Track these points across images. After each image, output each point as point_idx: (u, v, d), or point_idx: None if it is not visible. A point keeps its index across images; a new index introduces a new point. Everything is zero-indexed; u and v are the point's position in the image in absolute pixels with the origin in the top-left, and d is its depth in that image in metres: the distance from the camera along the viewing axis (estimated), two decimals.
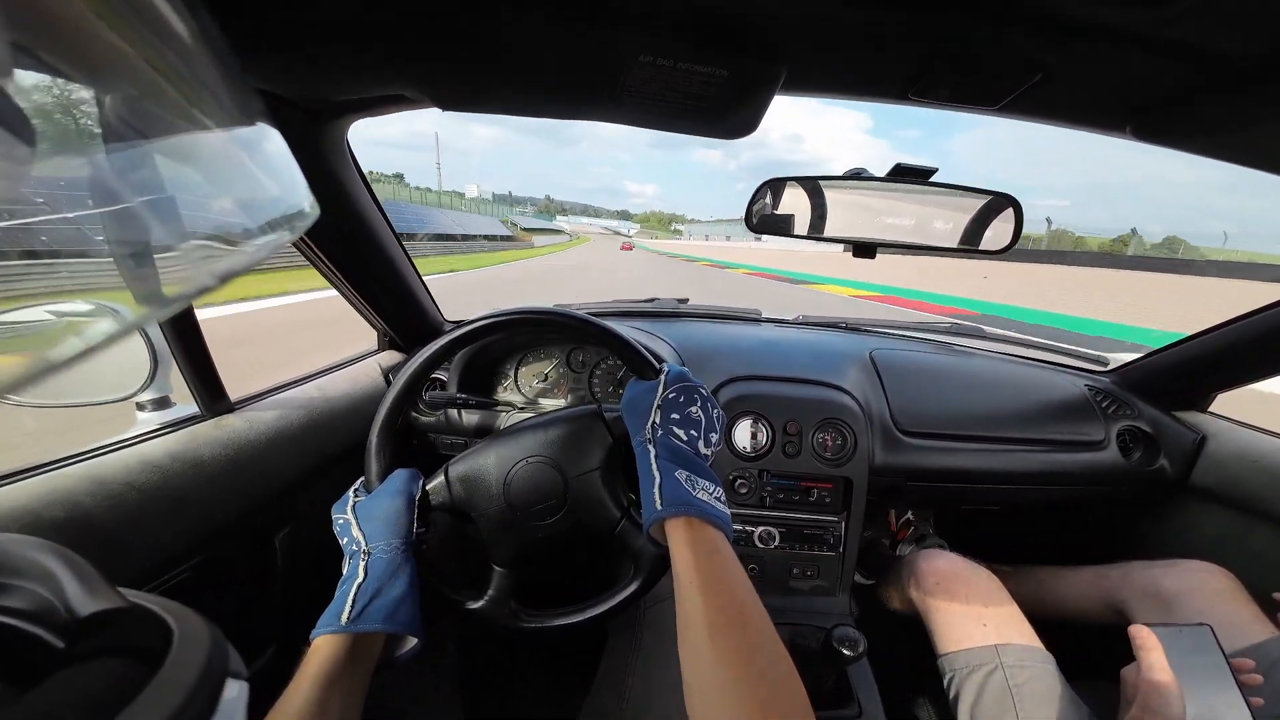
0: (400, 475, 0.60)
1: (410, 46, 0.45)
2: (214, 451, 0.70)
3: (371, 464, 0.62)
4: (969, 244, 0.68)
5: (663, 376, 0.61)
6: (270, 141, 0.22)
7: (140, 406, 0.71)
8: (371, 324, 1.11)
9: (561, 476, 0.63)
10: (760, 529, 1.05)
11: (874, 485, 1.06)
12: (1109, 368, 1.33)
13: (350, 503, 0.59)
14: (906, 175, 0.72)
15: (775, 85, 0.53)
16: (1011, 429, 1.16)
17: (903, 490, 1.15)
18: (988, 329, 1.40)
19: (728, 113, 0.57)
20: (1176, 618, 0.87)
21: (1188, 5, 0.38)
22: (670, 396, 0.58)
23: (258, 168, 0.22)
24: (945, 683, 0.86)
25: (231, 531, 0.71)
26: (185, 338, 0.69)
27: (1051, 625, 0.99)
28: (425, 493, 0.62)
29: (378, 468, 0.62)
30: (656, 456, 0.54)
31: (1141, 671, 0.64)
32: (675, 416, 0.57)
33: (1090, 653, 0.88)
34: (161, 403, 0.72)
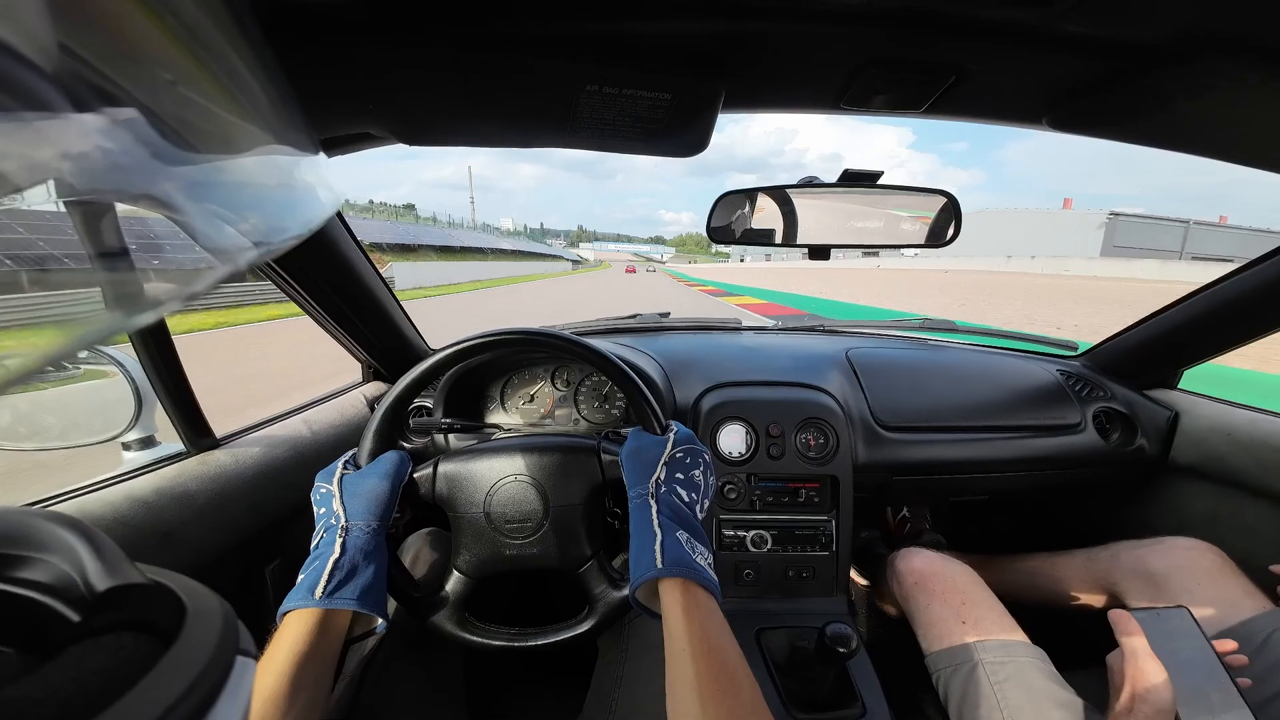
0: (390, 457, 0.61)
1: (369, 85, 0.49)
2: (201, 487, 0.71)
3: (367, 441, 0.62)
4: (914, 239, 0.72)
5: (671, 434, 0.61)
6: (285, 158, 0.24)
7: (126, 446, 0.72)
8: (355, 356, 1.13)
9: (544, 502, 0.64)
10: (753, 533, 1.06)
11: (861, 482, 1.08)
12: (1078, 351, 1.37)
13: (337, 474, 0.59)
14: (856, 180, 0.77)
15: (717, 104, 0.58)
16: (989, 417, 1.19)
17: (889, 486, 1.17)
18: (959, 323, 1.44)
19: (677, 133, 0.62)
20: (1166, 597, 0.87)
21: (1070, 3, 0.42)
22: (678, 455, 0.59)
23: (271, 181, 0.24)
24: (934, 683, 0.85)
25: (221, 564, 0.72)
26: (166, 376, 0.71)
27: (1050, 613, 1.00)
28: (413, 481, 0.62)
29: (372, 446, 0.62)
30: (658, 513, 0.54)
31: (1125, 657, 0.64)
32: (680, 476, 0.57)
33: (1088, 639, 0.89)
34: (147, 442, 0.73)
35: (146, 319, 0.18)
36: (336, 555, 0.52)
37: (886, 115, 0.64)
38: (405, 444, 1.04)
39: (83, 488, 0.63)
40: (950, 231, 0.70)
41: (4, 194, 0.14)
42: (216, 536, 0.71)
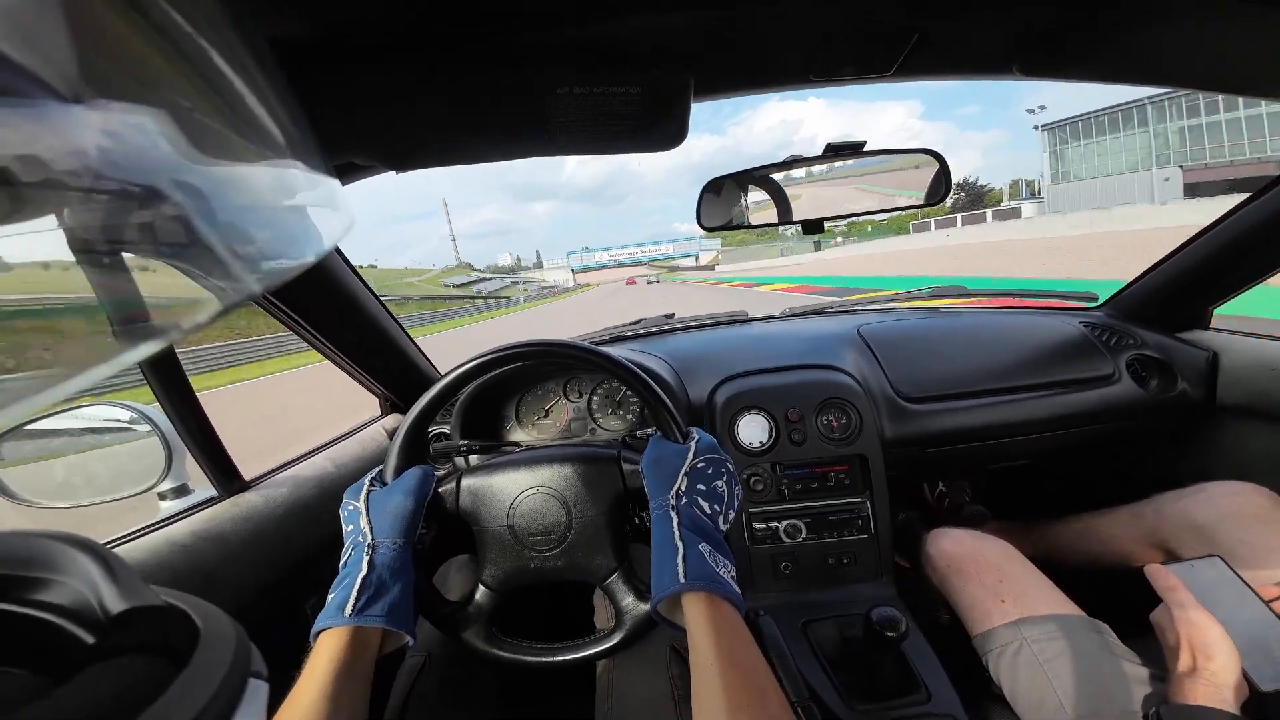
0: (415, 473, 0.61)
1: (350, 114, 0.51)
2: (235, 528, 0.73)
3: (393, 457, 0.63)
4: (906, 201, 0.71)
5: (693, 443, 0.60)
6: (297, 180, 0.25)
7: (162, 496, 0.75)
8: (371, 390, 1.16)
9: (567, 514, 0.63)
10: (785, 523, 1.04)
11: (891, 459, 1.05)
12: (1099, 301, 1.33)
13: (364, 491, 0.59)
14: (840, 151, 0.76)
15: (688, 93, 0.58)
16: (1015, 378, 1.15)
17: (922, 459, 1.14)
18: (969, 287, 1.41)
19: (653, 126, 0.62)
20: (1219, 548, 0.80)
21: None
22: (699, 466, 0.58)
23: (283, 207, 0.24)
24: (985, 665, 0.81)
25: (260, 602, 0.73)
26: (193, 425, 0.73)
27: (1105, 577, 0.94)
28: (437, 495, 0.63)
29: (398, 462, 0.62)
30: (679, 525, 0.53)
31: (1174, 612, 0.61)
32: (701, 487, 0.56)
33: (1146, 602, 0.84)
34: (180, 490, 0.76)
35: (157, 346, 0.18)
36: (364, 573, 0.52)
37: (858, 82, 0.65)
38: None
39: (124, 537, 0.65)
40: (941, 189, 0.69)
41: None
42: (254, 575, 0.73)
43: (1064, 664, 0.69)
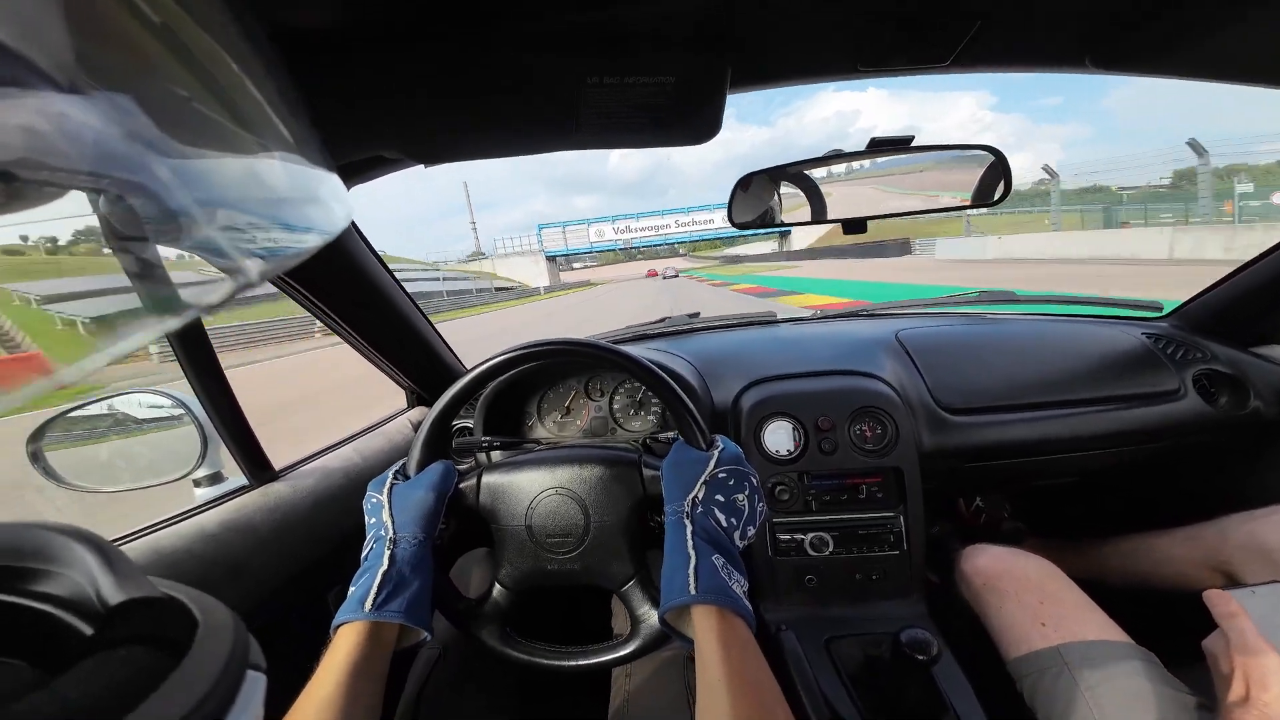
0: (437, 468, 0.61)
1: (376, 107, 0.50)
2: (263, 518, 0.74)
3: (416, 451, 0.63)
4: (959, 201, 0.66)
5: (716, 451, 0.58)
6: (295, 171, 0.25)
7: (197, 483, 0.77)
8: (398, 383, 1.17)
9: (585, 517, 0.62)
10: (811, 535, 1.00)
11: (928, 472, 1.00)
12: (1164, 312, 1.23)
13: (387, 484, 0.60)
14: (886, 146, 0.72)
15: (724, 82, 0.55)
16: (1070, 391, 1.08)
17: (960, 473, 1.08)
18: (1019, 292, 1.32)
19: (686, 118, 0.60)
20: None
21: None
22: (720, 476, 0.56)
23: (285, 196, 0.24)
24: (1019, 689, 0.76)
25: (286, 592, 0.74)
26: (227, 416, 0.75)
27: (1152, 602, 0.88)
28: (458, 491, 0.63)
29: (421, 456, 0.63)
30: (693, 534, 0.52)
31: (1231, 639, 0.56)
32: (720, 498, 0.55)
33: (1198, 628, 0.78)
34: (215, 478, 0.78)
35: (179, 323, 0.18)
36: (385, 568, 0.52)
37: (909, 73, 0.60)
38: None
39: (156, 524, 0.67)
40: (1000, 190, 0.64)
41: None
42: (281, 565, 0.74)
43: (1107, 692, 0.65)
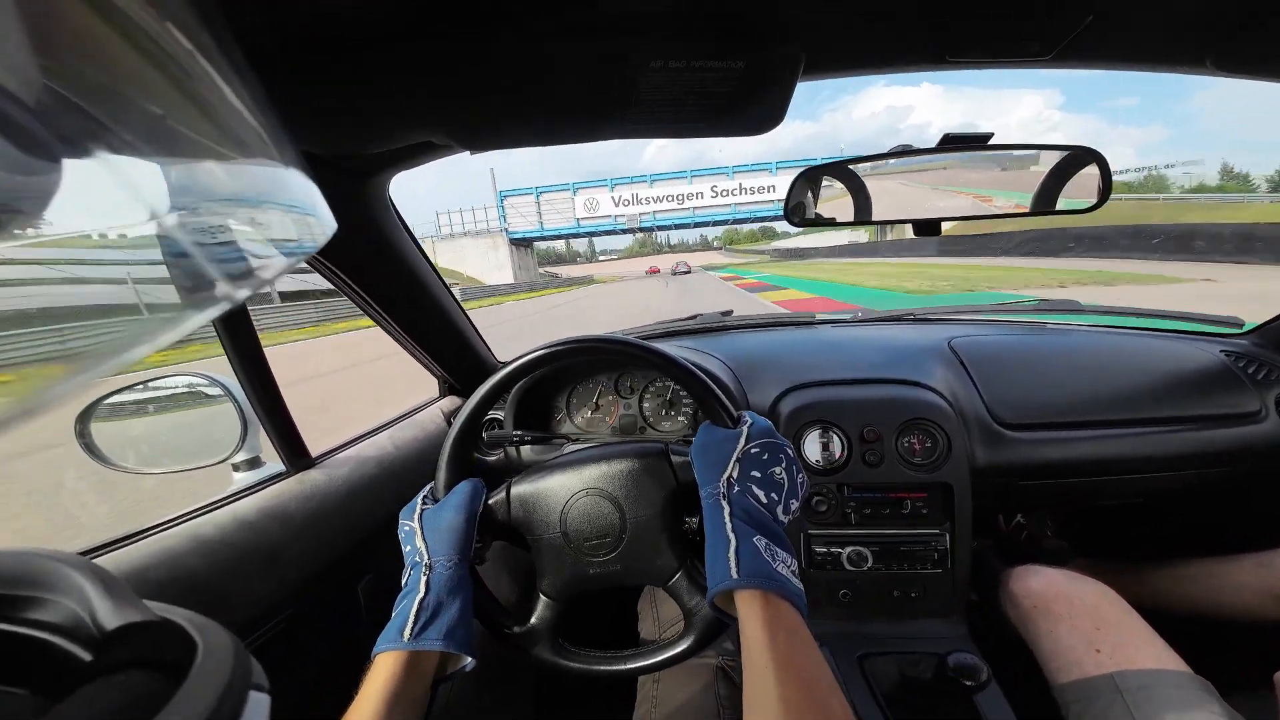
0: (465, 487, 0.60)
1: (428, 93, 0.48)
2: (299, 505, 0.74)
3: (442, 472, 0.62)
4: (1044, 205, 0.60)
5: (745, 427, 0.56)
6: (289, 164, 0.24)
7: (235, 468, 0.77)
8: (431, 371, 1.16)
9: (620, 515, 0.60)
10: (849, 549, 0.96)
11: (978, 489, 0.95)
12: (1245, 329, 1.13)
13: (418, 510, 0.59)
14: (959, 143, 0.66)
15: (796, 70, 0.51)
16: (1138, 409, 1.01)
17: (1012, 491, 1.02)
18: (1084, 303, 1.24)
19: (749, 106, 0.55)
20: None
21: None
22: (753, 451, 0.54)
23: (281, 191, 0.23)
24: (1064, 716, 0.72)
25: (319, 582, 0.74)
26: (267, 401, 0.75)
27: (1209, 630, 0.83)
28: (488, 508, 0.62)
29: (447, 476, 0.62)
30: (731, 515, 0.50)
31: None
32: (756, 474, 0.52)
33: (1260, 659, 0.72)
34: (253, 463, 0.78)
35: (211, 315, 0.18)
36: (422, 595, 0.52)
37: (1002, 66, 0.54)
38: (480, 457, 1.05)
39: (195, 510, 0.67)
40: (1097, 196, 0.58)
41: None
42: (315, 554, 0.74)
43: None
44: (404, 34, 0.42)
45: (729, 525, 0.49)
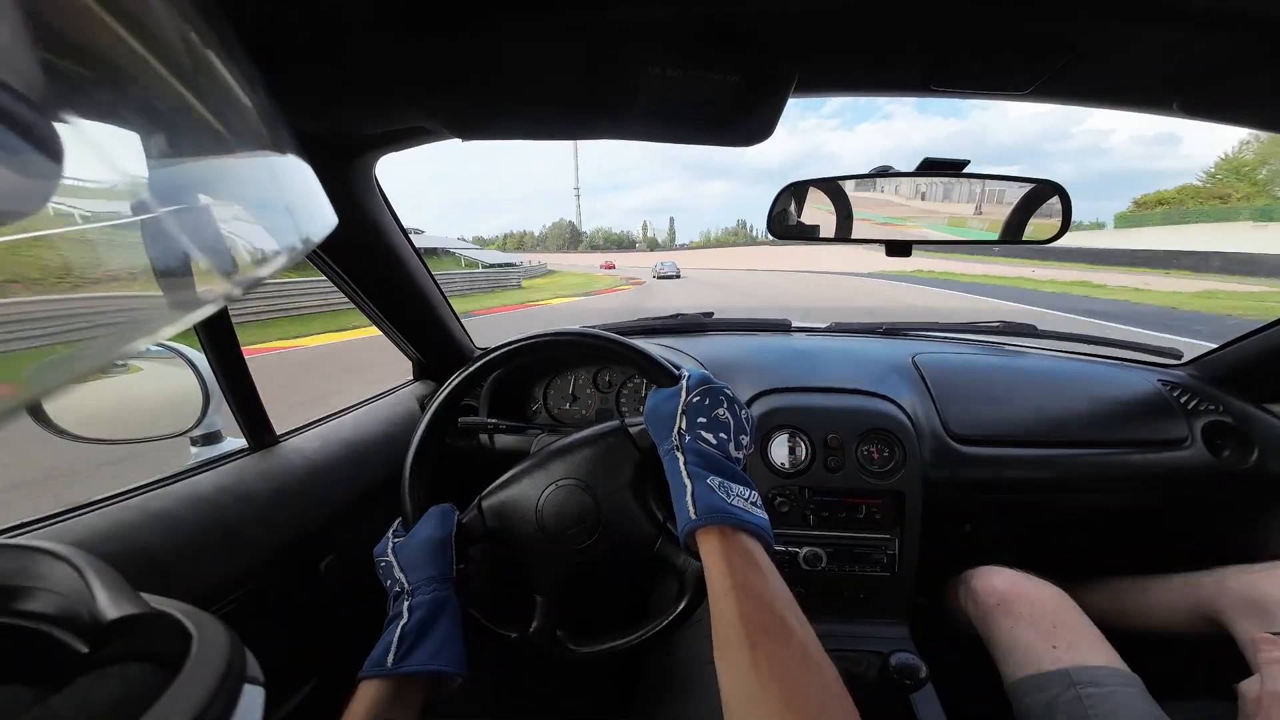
0: (435, 513, 0.61)
1: (425, 79, 0.47)
2: (261, 484, 0.72)
3: (406, 502, 0.62)
4: (1011, 235, 0.64)
5: (684, 381, 0.59)
6: (292, 160, 0.24)
7: (193, 441, 0.75)
8: (406, 354, 1.14)
9: (592, 497, 0.61)
10: (805, 550, 1.00)
11: (931, 498, 1.00)
12: (1183, 360, 1.22)
13: (390, 544, 0.60)
14: (937, 169, 0.69)
15: (788, 86, 0.52)
16: (1080, 431, 1.07)
17: (961, 503, 1.08)
18: (1041, 327, 1.31)
19: (742, 118, 0.57)
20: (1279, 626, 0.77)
21: None
22: (694, 400, 0.56)
23: (281, 185, 0.23)
24: (1015, 711, 0.78)
25: (280, 560, 0.73)
26: (232, 375, 0.73)
27: (1135, 642, 0.90)
28: (462, 526, 0.62)
29: (413, 505, 0.62)
30: (685, 463, 0.52)
31: (1265, 684, 0.58)
32: (702, 420, 0.55)
33: (1182, 669, 0.79)
34: (212, 438, 0.76)
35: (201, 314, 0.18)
36: (404, 622, 0.52)
37: (983, 96, 0.57)
38: (453, 442, 1.04)
39: (150, 483, 0.65)
40: (1058, 228, 0.62)
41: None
42: (276, 533, 0.72)
43: (1109, 713, 0.67)
44: (407, 18, 0.41)
45: (684, 472, 0.51)
